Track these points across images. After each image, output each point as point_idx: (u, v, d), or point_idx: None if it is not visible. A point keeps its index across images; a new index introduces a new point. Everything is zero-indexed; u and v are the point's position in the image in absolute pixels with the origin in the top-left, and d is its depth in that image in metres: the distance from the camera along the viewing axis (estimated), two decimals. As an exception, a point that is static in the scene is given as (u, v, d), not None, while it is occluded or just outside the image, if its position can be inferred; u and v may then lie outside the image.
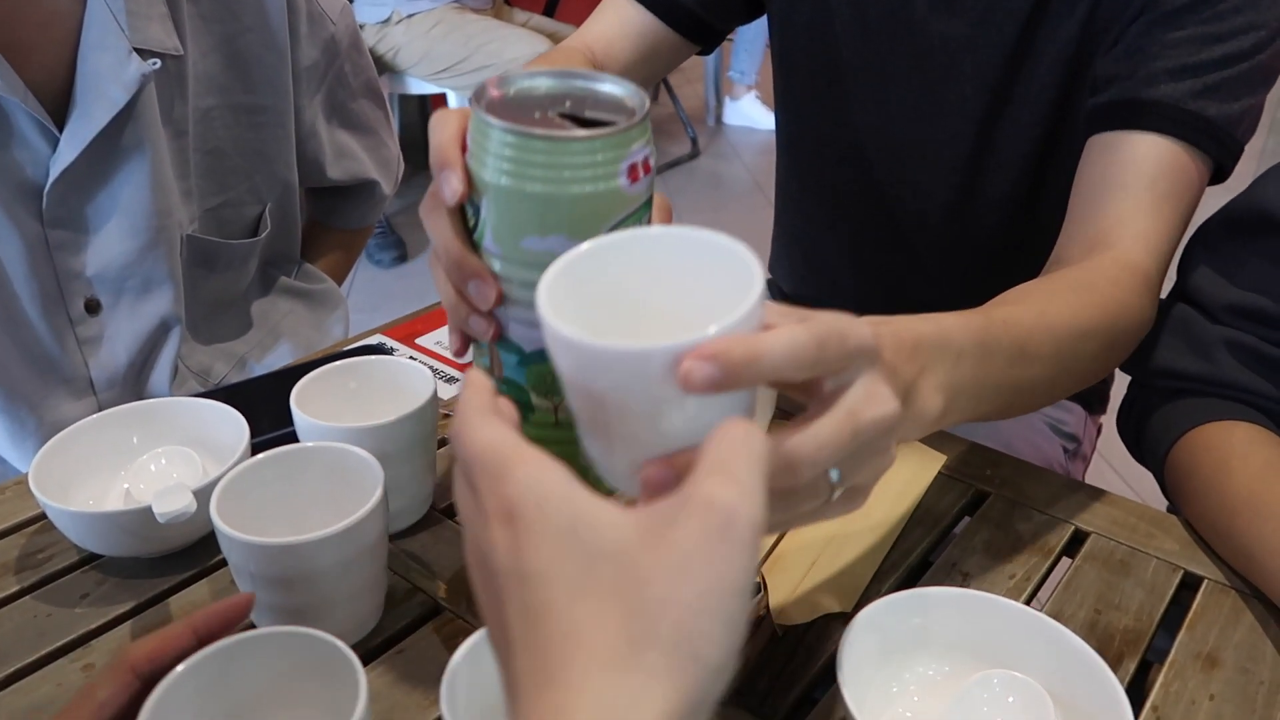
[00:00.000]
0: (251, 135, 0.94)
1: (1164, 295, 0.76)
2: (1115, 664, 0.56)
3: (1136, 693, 0.54)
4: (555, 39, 2.64)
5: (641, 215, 0.45)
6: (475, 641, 0.48)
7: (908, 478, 0.70)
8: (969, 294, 0.65)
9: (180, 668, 0.46)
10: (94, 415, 0.68)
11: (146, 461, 0.68)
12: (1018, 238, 0.90)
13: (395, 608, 0.61)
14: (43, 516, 0.67)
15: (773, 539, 0.64)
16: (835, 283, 1.06)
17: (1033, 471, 0.73)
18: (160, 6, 0.83)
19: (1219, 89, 0.71)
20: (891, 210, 0.94)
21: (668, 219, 0.47)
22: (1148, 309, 0.70)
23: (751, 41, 3.83)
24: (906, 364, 0.46)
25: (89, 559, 0.65)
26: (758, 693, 0.55)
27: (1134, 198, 0.71)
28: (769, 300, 0.37)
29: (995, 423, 0.92)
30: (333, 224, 1.16)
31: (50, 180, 0.80)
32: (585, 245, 0.40)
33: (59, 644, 0.59)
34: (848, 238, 1.01)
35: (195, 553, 0.65)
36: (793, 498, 0.40)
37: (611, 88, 0.46)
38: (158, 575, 0.63)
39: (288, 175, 0.98)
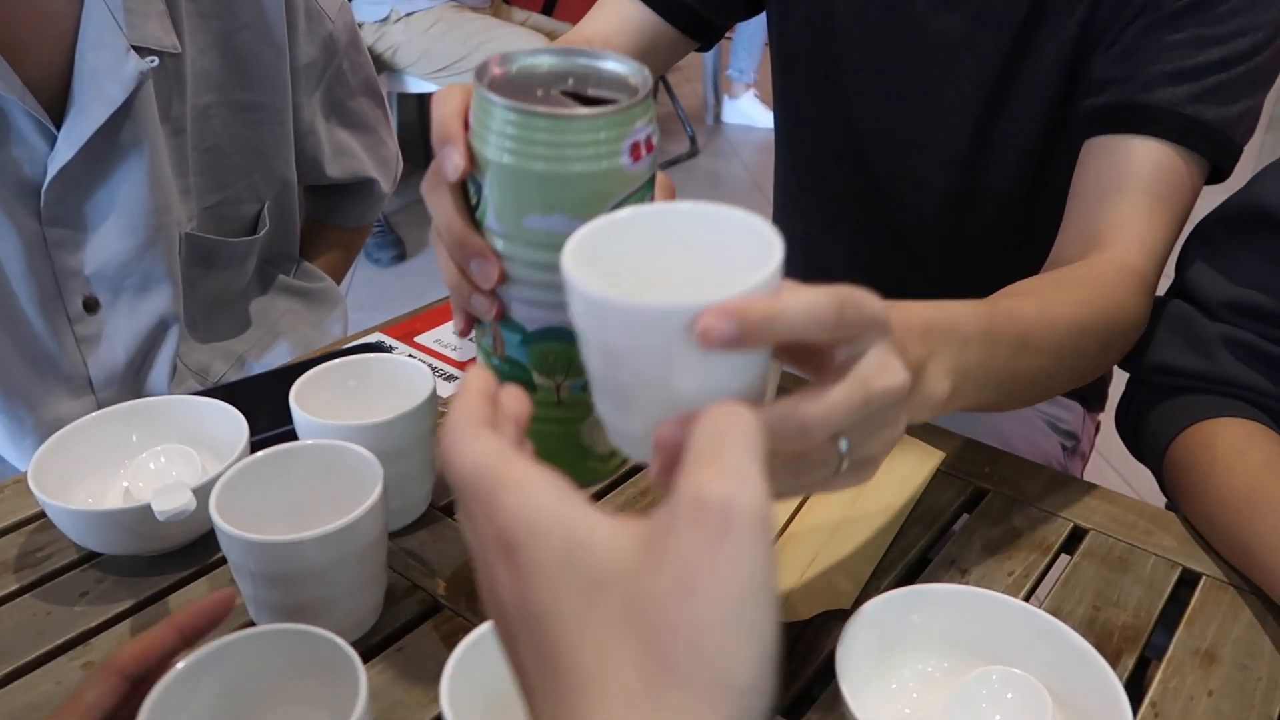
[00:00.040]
0: (249, 133, 0.94)
1: (1162, 293, 0.77)
2: (1114, 660, 0.56)
3: (1135, 689, 0.54)
4: (553, 37, 2.63)
5: (644, 194, 0.45)
6: (475, 639, 0.48)
7: (906, 475, 0.70)
8: (968, 293, 0.65)
9: (180, 665, 0.46)
10: (93, 413, 0.68)
11: (146, 460, 0.68)
12: (1017, 237, 0.90)
13: (395, 605, 0.61)
14: (42, 515, 0.67)
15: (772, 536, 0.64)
16: (834, 281, 1.05)
17: (1031, 468, 0.73)
18: (158, 4, 0.83)
19: (1216, 92, 0.71)
20: (890, 208, 0.94)
21: (670, 198, 0.47)
22: (1144, 310, 0.71)
23: (750, 40, 3.83)
24: (916, 345, 0.46)
25: (88, 557, 0.65)
26: (757, 689, 0.55)
27: (1131, 201, 0.71)
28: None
29: (994, 420, 0.93)
30: (331, 222, 1.16)
31: (48, 178, 0.80)
32: (605, 218, 0.40)
33: (58, 642, 0.59)
34: (846, 236, 1.01)
35: (195, 551, 0.65)
36: (802, 465, 0.40)
37: (614, 65, 0.46)
38: (157, 573, 0.63)
39: (286, 173, 0.98)
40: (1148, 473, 0.75)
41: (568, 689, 0.29)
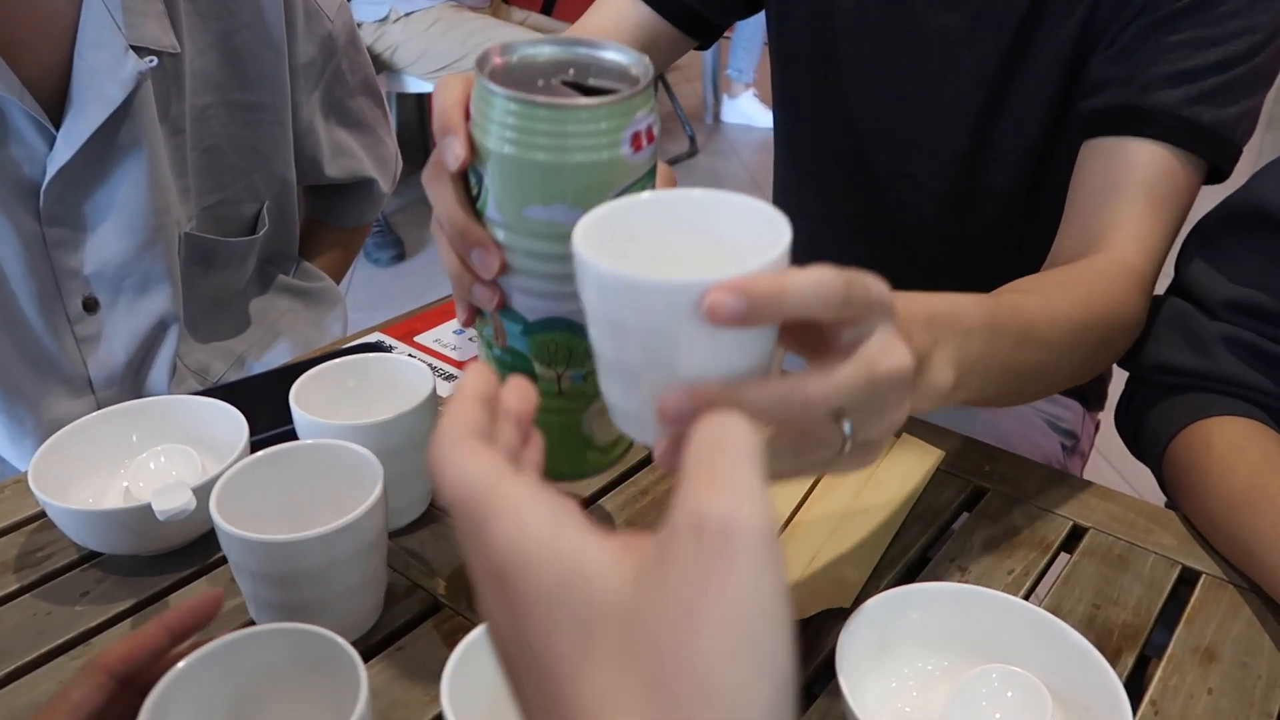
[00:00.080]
0: (248, 133, 0.94)
1: (1162, 291, 0.77)
2: (1114, 659, 0.56)
3: (1135, 687, 0.54)
4: (553, 37, 2.63)
5: (645, 184, 0.45)
6: (475, 638, 0.48)
7: (906, 473, 0.70)
8: (967, 292, 0.66)
9: (181, 664, 0.46)
10: (93, 413, 0.68)
11: (146, 459, 0.68)
12: (1016, 236, 0.91)
13: (395, 604, 0.61)
14: (42, 515, 0.67)
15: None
16: None
17: (1031, 467, 0.73)
18: (157, 4, 0.83)
19: (1215, 94, 0.71)
20: (890, 206, 0.94)
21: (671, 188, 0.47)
22: (1142, 309, 0.72)
23: (749, 39, 3.83)
24: (920, 335, 0.46)
25: (89, 557, 0.65)
26: (757, 688, 0.55)
27: (1130, 202, 0.72)
28: None
29: (993, 419, 0.93)
30: (331, 222, 1.16)
31: (47, 178, 0.80)
32: (616, 203, 0.40)
33: (59, 642, 0.59)
34: (846, 235, 1.01)
35: (195, 550, 0.65)
36: (805, 445, 0.40)
37: (615, 55, 0.46)
38: (157, 573, 0.63)
39: (285, 173, 0.98)
40: (1148, 472, 0.75)
41: None
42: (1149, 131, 0.72)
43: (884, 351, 0.39)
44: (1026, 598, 0.61)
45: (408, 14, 2.58)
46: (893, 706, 0.53)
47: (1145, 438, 0.75)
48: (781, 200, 1.10)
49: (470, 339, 0.90)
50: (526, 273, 0.45)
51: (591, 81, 0.45)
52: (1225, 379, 0.70)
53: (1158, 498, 0.78)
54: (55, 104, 0.80)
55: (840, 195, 0.98)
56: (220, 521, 0.54)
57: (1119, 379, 0.83)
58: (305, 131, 0.99)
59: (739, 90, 4.02)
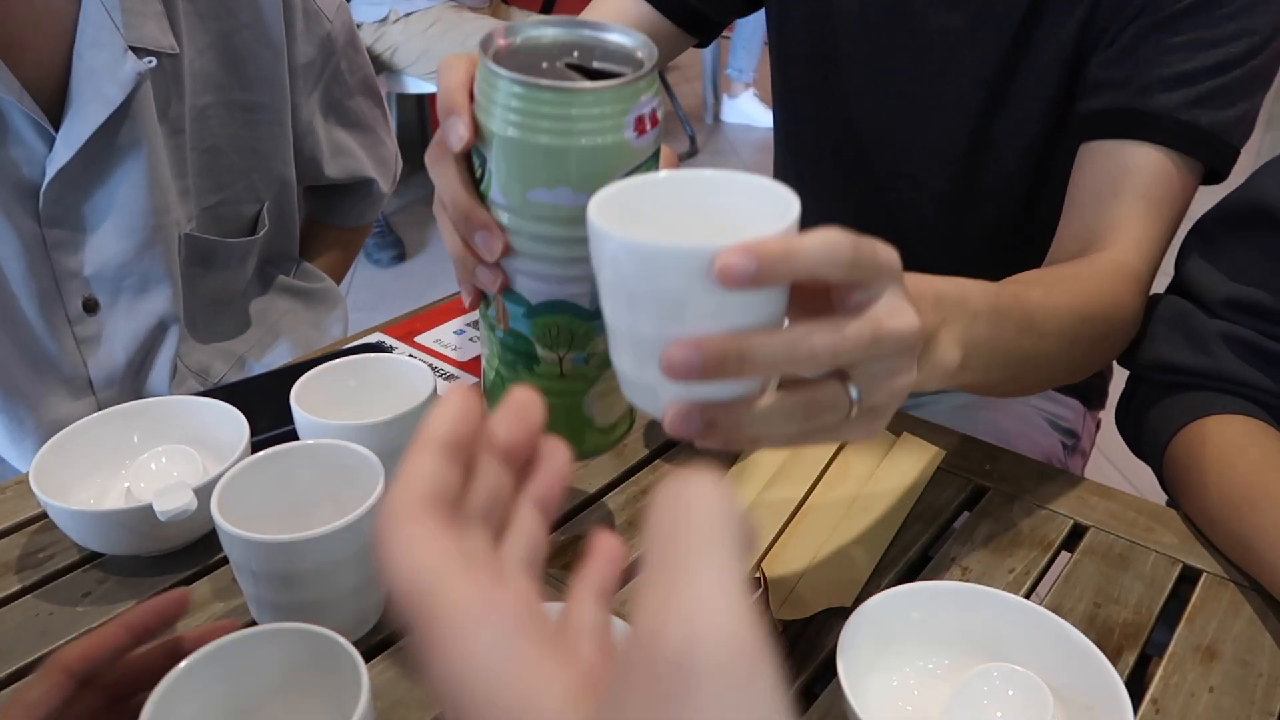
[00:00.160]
0: (248, 133, 0.94)
1: (1162, 290, 0.77)
2: (1115, 657, 0.56)
3: (1136, 685, 0.54)
4: (552, 37, 2.63)
5: (648, 168, 0.45)
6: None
7: (906, 473, 0.70)
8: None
9: (183, 664, 0.46)
10: (94, 414, 0.68)
11: (147, 460, 0.68)
12: (1015, 236, 0.91)
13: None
14: (44, 515, 0.67)
15: (772, 534, 0.65)
16: None
17: (1032, 466, 0.73)
18: (155, 4, 0.83)
19: (1214, 97, 0.71)
20: (890, 206, 0.94)
21: None
22: (1138, 308, 0.72)
23: (749, 39, 3.83)
24: (929, 313, 0.46)
25: (90, 558, 0.65)
26: (758, 687, 0.55)
27: (1128, 204, 0.72)
28: None
29: (994, 418, 0.93)
30: (330, 222, 1.16)
31: (47, 179, 0.80)
32: (627, 181, 0.40)
33: (60, 642, 0.59)
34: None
35: (196, 551, 0.65)
36: (812, 408, 0.40)
37: (619, 38, 0.46)
38: (159, 574, 0.63)
39: (285, 173, 0.98)
40: (1149, 471, 0.75)
41: None
42: (1148, 134, 0.72)
43: (891, 313, 0.40)
44: (1027, 596, 0.61)
45: (407, 14, 2.58)
46: (894, 705, 0.53)
47: (1146, 436, 0.75)
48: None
49: (471, 339, 0.90)
50: (530, 255, 0.45)
51: (596, 64, 0.45)
52: (1225, 377, 0.70)
53: (1159, 496, 0.78)
54: (54, 105, 0.80)
55: (840, 195, 0.98)
56: (221, 522, 0.54)
57: (1119, 378, 0.83)
58: (305, 132, 0.99)
59: (739, 90, 4.02)
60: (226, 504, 0.55)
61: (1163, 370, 0.73)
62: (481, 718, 0.25)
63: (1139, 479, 1.74)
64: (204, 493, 0.59)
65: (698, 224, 0.40)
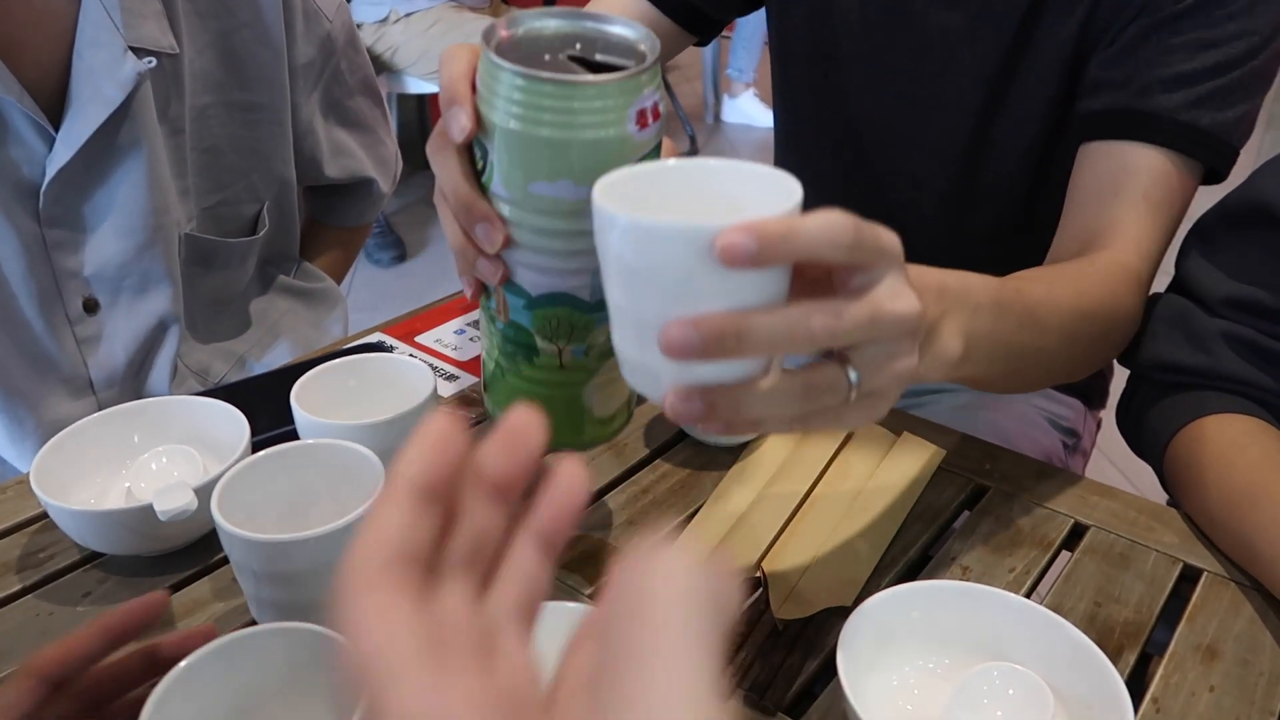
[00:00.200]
0: (248, 133, 0.94)
1: (1162, 289, 0.77)
2: (1115, 656, 0.56)
3: (1137, 685, 0.54)
4: (552, 37, 2.63)
5: (650, 161, 0.45)
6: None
7: (907, 472, 0.70)
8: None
9: (183, 664, 0.46)
10: (94, 414, 0.68)
11: (147, 460, 0.68)
12: (1016, 236, 0.91)
13: (396, 604, 0.61)
14: (44, 515, 0.67)
15: (773, 533, 0.64)
16: None
17: (1032, 465, 0.73)
18: (155, 4, 0.83)
19: (1214, 97, 0.71)
20: (890, 205, 0.94)
21: None
22: (1138, 308, 0.72)
23: (749, 39, 3.83)
24: (932, 304, 0.46)
25: (91, 558, 0.65)
26: (758, 687, 0.55)
27: (1128, 205, 0.72)
28: None
29: (994, 417, 0.93)
30: (331, 222, 1.16)
31: (46, 179, 0.80)
32: (632, 168, 0.40)
33: (60, 642, 0.59)
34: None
35: (197, 550, 0.65)
36: (811, 391, 0.40)
37: (621, 30, 0.46)
38: (159, 573, 0.63)
39: (285, 173, 0.98)
40: (1149, 470, 0.75)
41: None
42: (1148, 135, 0.72)
43: (891, 295, 0.40)
44: (1028, 596, 0.61)
45: (408, 15, 2.58)
46: (894, 704, 0.53)
47: (1146, 435, 0.75)
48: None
49: (471, 339, 0.90)
50: (531, 248, 0.45)
51: (598, 57, 0.45)
52: (1225, 376, 0.70)
53: (1160, 496, 0.78)
54: (54, 105, 0.80)
55: (840, 194, 0.98)
56: (222, 521, 0.54)
57: (1120, 377, 0.83)
58: (305, 132, 0.99)
59: (739, 90, 4.02)
60: (227, 504, 0.55)
61: (1163, 369, 0.73)
62: None
63: (1140, 478, 1.74)
64: (204, 492, 0.59)
65: (701, 210, 0.40)
